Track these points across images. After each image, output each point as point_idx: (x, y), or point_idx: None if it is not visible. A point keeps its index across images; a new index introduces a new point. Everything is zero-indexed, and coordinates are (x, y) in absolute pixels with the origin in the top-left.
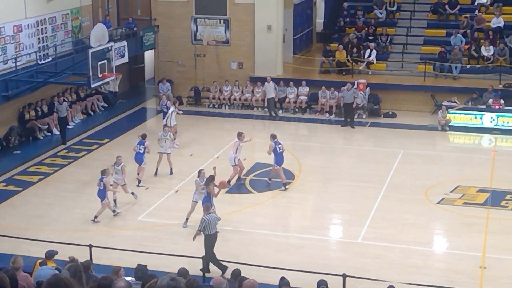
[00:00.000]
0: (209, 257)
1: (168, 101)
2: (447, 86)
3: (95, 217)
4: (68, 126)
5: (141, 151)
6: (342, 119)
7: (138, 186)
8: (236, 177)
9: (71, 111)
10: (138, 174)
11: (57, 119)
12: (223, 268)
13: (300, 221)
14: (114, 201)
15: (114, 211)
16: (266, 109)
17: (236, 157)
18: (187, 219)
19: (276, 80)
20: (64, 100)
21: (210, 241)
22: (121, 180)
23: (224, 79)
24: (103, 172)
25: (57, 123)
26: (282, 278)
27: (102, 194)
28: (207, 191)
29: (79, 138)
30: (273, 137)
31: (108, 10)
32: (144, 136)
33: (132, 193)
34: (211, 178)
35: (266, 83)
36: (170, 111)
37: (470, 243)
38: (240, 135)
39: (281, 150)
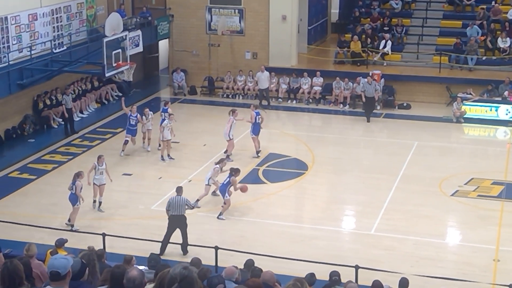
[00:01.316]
0: (165, 235)
1: (138, 114)
2: (462, 77)
3: (72, 224)
4: (76, 117)
5: (166, 118)
6: (356, 110)
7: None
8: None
9: (85, 100)
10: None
11: (65, 110)
12: (161, 252)
13: (313, 212)
14: (100, 203)
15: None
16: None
17: (230, 133)
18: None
19: (291, 71)
20: (71, 93)
21: (170, 222)
22: (103, 180)
23: (238, 69)
24: (78, 175)
25: (66, 114)
26: (312, 275)
27: (74, 198)
28: (230, 180)
29: (93, 127)
30: (256, 107)
31: None
32: (166, 103)
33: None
34: (237, 170)
35: (259, 73)
36: (164, 124)
37: (484, 236)
38: (233, 112)
39: (259, 121)
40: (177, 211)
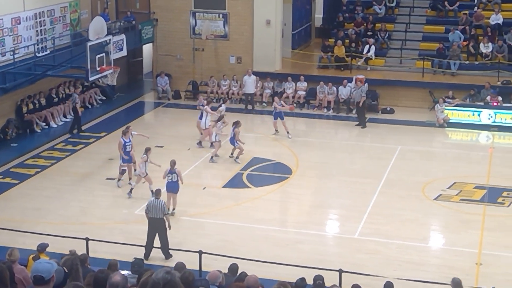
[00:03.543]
0: (147, 239)
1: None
2: (445, 82)
3: (174, 209)
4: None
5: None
6: (340, 114)
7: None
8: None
9: (68, 104)
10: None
11: (78, 108)
12: (145, 256)
13: (297, 216)
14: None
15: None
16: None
17: (206, 122)
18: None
19: (275, 75)
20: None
21: (149, 225)
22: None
23: (222, 73)
24: (173, 164)
25: (79, 112)
26: (302, 280)
27: (175, 186)
28: (234, 132)
29: (76, 130)
30: (208, 101)
31: (106, 3)
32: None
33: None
34: (238, 122)
35: (245, 76)
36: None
37: (467, 239)
38: (208, 102)
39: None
40: (155, 214)
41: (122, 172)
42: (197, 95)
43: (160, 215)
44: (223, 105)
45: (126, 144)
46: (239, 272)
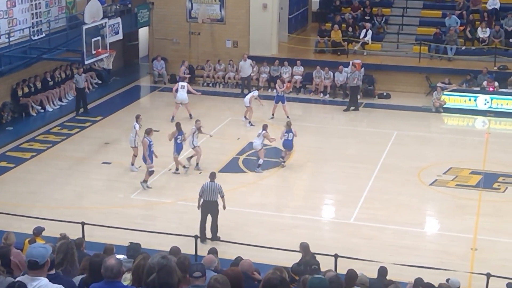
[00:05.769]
0: (200, 222)
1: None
2: (442, 67)
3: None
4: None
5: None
6: (336, 99)
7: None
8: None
9: (63, 88)
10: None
11: (75, 89)
12: (201, 240)
13: (293, 201)
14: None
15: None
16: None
17: (177, 98)
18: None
19: (271, 59)
20: (83, 72)
21: (203, 208)
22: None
23: (218, 57)
24: (290, 124)
25: (75, 93)
26: (299, 264)
27: (290, 144)
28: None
29: (72, 115)
30: (183, 78)
31: None
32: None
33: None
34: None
35: (241, 62)
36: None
37: (462, 225)
38: (183, 79)
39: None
40: (210, 197)
41: (151, 174)
42: (193, 79)
43: (215, 197)
44: (256, 91)
45: (151, 143)
46: (235, 256)
